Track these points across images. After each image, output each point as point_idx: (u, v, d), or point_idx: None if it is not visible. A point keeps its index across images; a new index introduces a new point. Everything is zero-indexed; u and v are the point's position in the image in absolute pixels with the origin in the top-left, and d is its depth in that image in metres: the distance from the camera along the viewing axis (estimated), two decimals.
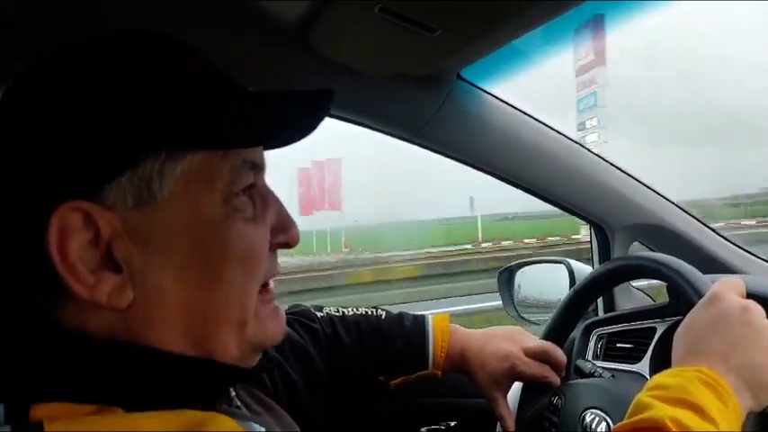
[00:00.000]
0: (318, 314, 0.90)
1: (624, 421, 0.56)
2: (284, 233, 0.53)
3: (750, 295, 0.65)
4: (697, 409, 0.53)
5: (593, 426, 0.73)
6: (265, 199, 0.52)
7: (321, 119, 0.52)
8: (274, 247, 0.53)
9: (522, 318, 1.28)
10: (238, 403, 0.57)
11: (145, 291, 0.45)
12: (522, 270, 1.31)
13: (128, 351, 0.44)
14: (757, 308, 0.62)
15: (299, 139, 0.53)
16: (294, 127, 0.51)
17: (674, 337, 0.65)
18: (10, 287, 0.45)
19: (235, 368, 0.50)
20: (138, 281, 0.45)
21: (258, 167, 0.51)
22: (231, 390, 0.57)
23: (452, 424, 1.07)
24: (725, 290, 0.64)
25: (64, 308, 0.44)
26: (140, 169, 0.44)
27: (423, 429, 1.06)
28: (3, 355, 0.43)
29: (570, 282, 1.17)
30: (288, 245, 0.54)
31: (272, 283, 0.54)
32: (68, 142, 0.43)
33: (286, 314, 0.87)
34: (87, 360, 0.43)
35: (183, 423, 0.42)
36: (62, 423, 0.39)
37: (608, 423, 0.73)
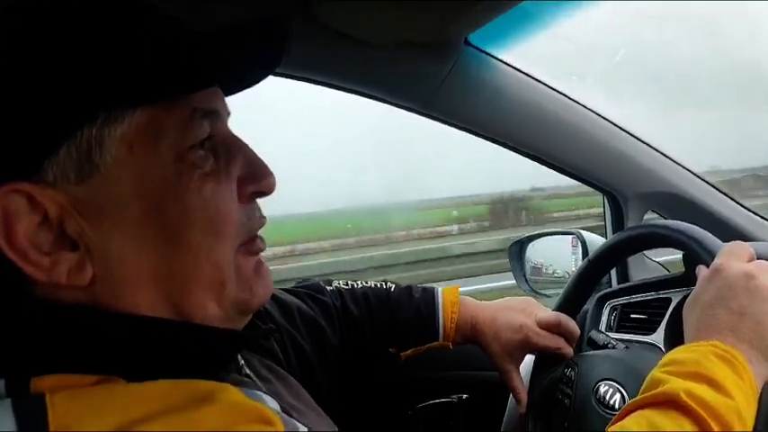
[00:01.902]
0: (328, 287, 0.89)
1: (638, 396, 0.55)
2: (256, 182, 0.50)
3: (763, 258, 0.64)
4: (712, 383, 0.52)
5: (608, 397, 0.72)
6: (230, 148, 0.48)
7: (277, 53, 0.47)
8: (247, 199, 0.50)
9: (534, 290, 1.26)
10: (248, 371, 0.56)
11: (106, 264, 0.43)
12: (533, 242, 1.30)
13: (101, 319, 0.43)
14: (764, 271, 0.60)
15: (252, 78, 0.49)
16: (246, 63, 0.47)
17: (683, 312, 0.64)
18: None
19: (222, 331, 0.48)
20: (97, 255, 0.43)
21: (215, 114, 0.47)
22: (240, 358, 0.56)
23: (464, 396, 1.06)
24: (727, 260, 0.63)
25: (33, 286, 0.43)
26: (77, 140, 0.41)
27: (434, 401, 1.06)
28: None
29: (582, 253, 1.16)
30: (263, 193, 0.51)
31: (259, 238, 0.52)
32: None
33: (296, 288, 0.87)
34: (65, 331, 0.42)
35: (188, 393, 0.41)
36: (64, 394, 0.39)
37: (622, 394, 0.72)
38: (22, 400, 0.39)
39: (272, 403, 0.49)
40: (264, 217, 0.52)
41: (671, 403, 0.51)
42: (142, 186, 0.43)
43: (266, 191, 0.51)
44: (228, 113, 0.51)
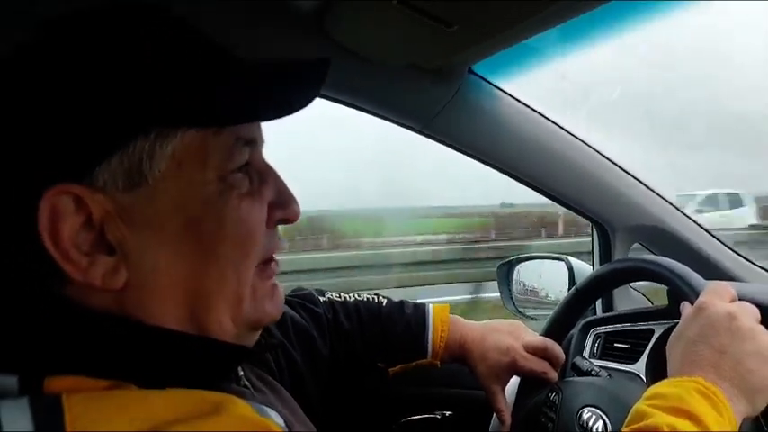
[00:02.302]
0: (321, 298, 0.90)
1: (624, 428, 0.57)
2: (283, 209, 0.52)
3: (743, 299, 0.67)
4: (693, 418, 0.55)
5: (591, 423, 0.74)
6: (263, 175, 0.51)
7: (316, 90, 0.50)
8: (273, 224, 0.52)
9: (520, 312, 1.29)
10: (246, 383, 0.57)
11: (139, 271, 0.45)
12: (521, 264, 1.32)
13: (123, 326, 0.44)
14: (745, 313, 0.64)
15: (294, 110, 0.51)
16: (288, 99, 0.49)
17: (668, 347, 0.66)
18: (10, 269, 0.45)
19: (234, 346, 0.50)
20: (133, 262, 0.44)
21: (253, 143, 0.50)
22: (240, 369, 0.57)
23: (448, 413, 1.08)
24: (711, 298, 0.65)
25: (63, 287, 0.44)
26: (130, 150, 0.43)
27: (417, 417, 1.07)
28: (11, 329, 0.43)
29: (569, 279, 1.18)
30: (287, 221, 0.53)
31: (275, 261, 0.54)
32: (55, 124, 0.42)
33: (290, 297, 0.88)
34: (89, 334, 0.43)
35: (199, 404, 0.42)
36: (80, 397, 0.40)
37: (604, 421, 0.74)
38: (39, 399, 0.39)
39: (278, 419, 0.50)
40: (284, 242, 0.55)
41: None
42: (185, 201, 0.45)
43: (292, 218, 0.53)
44: (263, 142, 0.53)
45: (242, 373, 0.58)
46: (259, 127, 0.52)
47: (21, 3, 0.71)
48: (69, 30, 0.45)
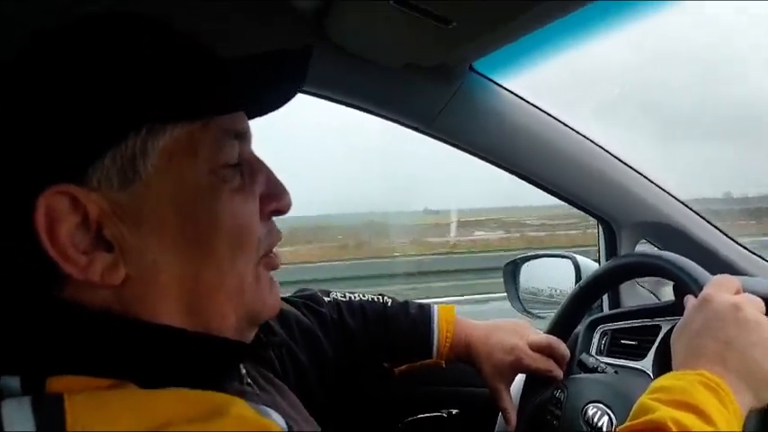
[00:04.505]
0: (326, 298, 0.90)
1: (628, 423, 0.56)
2: (276, 201, 0.53)
3: (749, 292, 0.66)
4: (698, 412, 0.54)
5: (596, 419, 0.74)
6: (253, 168, 0.52)
7: (301, 78, 0.51)
8: (267, 216, 0.53)
9: (527, 311, 1.28)
10: (249, 381, 0.57)
11: (138, 267, 0.45)
12: (527, 263, 1.32)
13: (123, 324, 0.45)
14: (750, 304, 0.63)
15: (280, 101, 0.53)
16: (272, 89, 0.51)
17: (672, 340, 0.66)
18: (9, 270, 0.45)
19: (235, 343, 0.50)
20: (131, 258, 0.45)
21: (242, 136, 0.51)
22: (242, 367, 0.57)
23: (454, 412, 1.08)
24: (715, 290, 0.65)
25: (62, 286, 0.44)
26: (122, 148, 0.44)
27: (423, 415, 1.07)
28: (13, 329, 0.44)
29: (576, 277, 1.18)
30: (280, 212, 0.54)
31: (273, 254, 0.54)
32: (48, 127, 0.43)
33: (294, 297, 0.88)
34: (88, 334, 0.43)
35: (201, 405, 0.42)
36: (81, 397, 0.40)
37: (610, 417, 0.73)
38: (41, 399, 0.40)
39: (280, 420, 0.50)
40: (280, 233, 0.55)
41: (659, 431, 0.53)
42: (179, 195, 0.46)
43: (284, 210, 0.54)
44: (251, 136, 0.54)
45: (244, 371, 0.58)
46: (246, 121, 0.53)
47: (16, 13, 0.72)
48: (58, 37, 0.46)
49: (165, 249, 0.46)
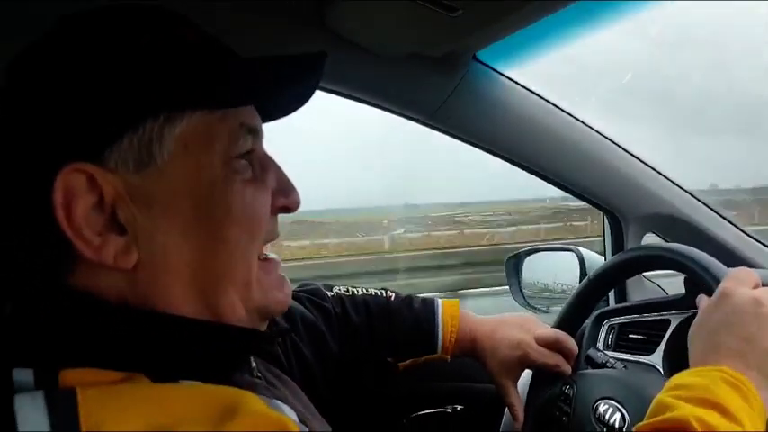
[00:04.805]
0: (329, 293, 0.90)
1: (646, 421, 0.55)
2: (285, 197, 0.54)
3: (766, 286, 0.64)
4: (721, 410, 0.53)
5: (607, 416, 0.72)
6: (264, 164, 0.53)
7: (316, 79, 0.53)
8: (275, 211, 0.54)
9: (530, 305, 1.27)
10: (259, 374, 0.57)
11: (150, 251, 0.46)
12: (529, 257, 1.30)
13: (136, 313, 0.45)
14: None
15: (294, 104, 0.55)
16: (288, 86, 0.53)
17: (689, 336, 0.64)
18: (19, 252, 0.46)
19: (248, 330, 0.50)
20: (143, 242, 0.45)
21: (255, 133, 0.52)
22: (252, 360, 0.57)
23: (459, 407, 1.06)
24: (734, 285, 0.63)
25: (73, 271, 0.45)
26: (140, 132, 0.45)
27: (428, 411, 1.06)
28: (24, 322, 0.44)
29: (581, 270, 1.16)
30: (288, 209, 0.55)
31: (272, 254, 0.55)
32: (70, 106, 0.44)
33: (298, 292, 0.87)
34: (99, 323, 0.43)
35: (213, 400, 0.42)
36: (94, 391, 0.39)
37: (622, 413, 0.72)
38: (54, 393, 0.39)
39: (292, 414, 0.50)
40: (278, 231, 0.56)
41: (682, 430, 0.51)
42: (192, 182, 0.47)
43: (293, 207, 0.55)
44: (263, 135, 0.54)
45: (254, 364, 0.57)
46: (259, 120, 0.53)
47: (26, 7, 0.71)
48: (83, 23, 0.47)
49: (176, 235, 0.46)
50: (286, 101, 0.57)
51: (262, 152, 0.53)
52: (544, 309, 1.25)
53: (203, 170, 0.47)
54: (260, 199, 0.51)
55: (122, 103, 0.44)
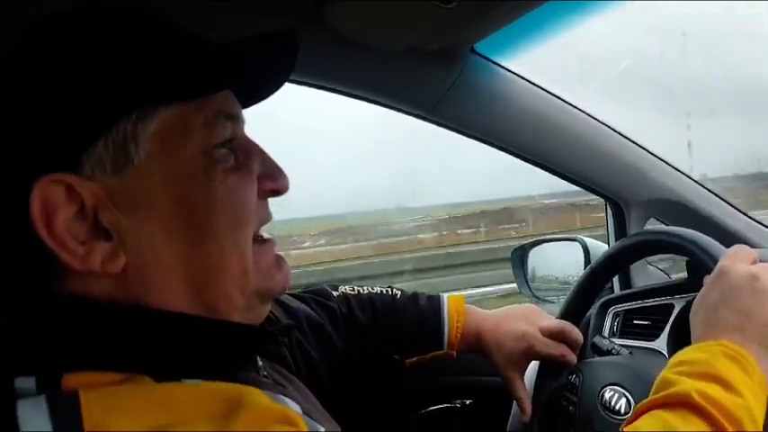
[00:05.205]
0: (334, 293, 0.90)
1: (650, 397, 0.55)
2: (273, 180, 0.53)
3: (765, 262, 0.64)
4: (722, 383, 0.53)
5: (613, 402, 0.72)
6: (248, 150, 0.52)
7: (292, 60, 0.52)
8: (263, 195, 0.53)
9: (537, 297, 1.27)
10: (265, 374, 0.57)
11: (138, 253, 0.45)
12: (535, 248, 1.30)
13: (131, 313, 0.45)
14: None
15: (273, 84, 0.53)
16: (260, 66, 0.51)
17: (690, 316, 0.64)
18: (7, 264, 0.45)
19: (247, 327, 0.50)
20: (130, 244, 0.45)
21: (234, 119, 0.51)
22: (259, 360, 0.57)
23: (468, 402, 1.07)
24: (731, 262, 0.64)
25: (63, 279, 0.44)
26: (113, 134, 0.44)
27: (437, 407, 1.06)
28: (20, 332, 0.44)
29: (585, 259, 1.16)
30: (278, 192, 0.54)
31: (267, 234, 0.54)
32: (40, 116, 0.43)
33: (303, 293, 0.87)
34: (96, 326, 0.43)
35: (217, 397, 0.42)
36: (96, 394, 0.40)
37: (628, 399, 0.72)
38: (57, 397, 0.39)
39: (295, 406, 0.50)
40: (271, 213, 0.55)
41: (684, 404, 0.52)
42: (172, 178, 0.46)
43: (282, 189, 0.54)
44: (244, 120, 0.54)
45: (260, 363, 0.57)
46: (239, 105, 0.52)
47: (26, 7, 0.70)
48: (45, 29, 0.46)
49: (163, 233, 0.46)
50: (263, 81, 0.55)
51: (244, 138, 0.52)
52: (552, 300, 1.25)
53: (182, 164, 0.46)
54: (245, 186, 0.49)
55: (92, 107, 0.44)
